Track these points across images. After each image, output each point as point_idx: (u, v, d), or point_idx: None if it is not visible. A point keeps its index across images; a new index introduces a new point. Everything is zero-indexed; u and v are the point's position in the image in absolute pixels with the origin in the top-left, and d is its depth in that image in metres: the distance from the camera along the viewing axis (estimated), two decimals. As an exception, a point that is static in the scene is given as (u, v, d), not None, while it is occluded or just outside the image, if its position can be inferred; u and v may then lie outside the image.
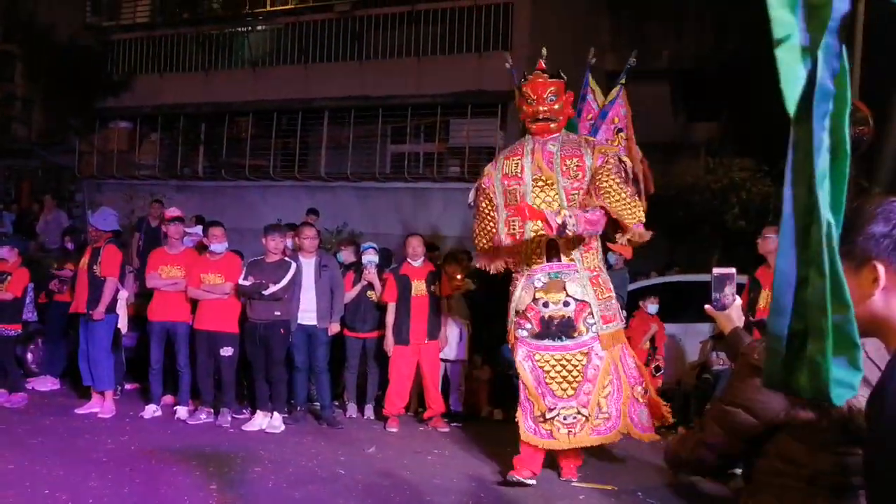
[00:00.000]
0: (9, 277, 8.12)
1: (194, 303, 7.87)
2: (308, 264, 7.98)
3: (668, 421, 6.62)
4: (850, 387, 1.21)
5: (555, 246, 6.09)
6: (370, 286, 8.30)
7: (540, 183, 6.09)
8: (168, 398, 8.26)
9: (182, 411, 7.90)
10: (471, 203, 6.66)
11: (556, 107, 6.23)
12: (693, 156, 17.27)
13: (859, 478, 1.83)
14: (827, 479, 1.93)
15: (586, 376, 5.99)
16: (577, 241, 6.03)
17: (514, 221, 6.16)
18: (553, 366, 6.03)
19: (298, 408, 8.07)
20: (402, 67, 14.72)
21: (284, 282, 7.61)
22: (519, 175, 6.19)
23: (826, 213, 1.14)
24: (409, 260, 8.21)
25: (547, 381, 6.03)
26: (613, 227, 6.19)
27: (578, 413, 5.97)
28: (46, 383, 8.89)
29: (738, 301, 2.42)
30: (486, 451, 7.05)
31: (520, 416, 6.14)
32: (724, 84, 16.93)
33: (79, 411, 7.86)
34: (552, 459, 6.41)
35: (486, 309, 8.15)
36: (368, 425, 8.13)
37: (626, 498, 6.08)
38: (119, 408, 8.01)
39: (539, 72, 6.32)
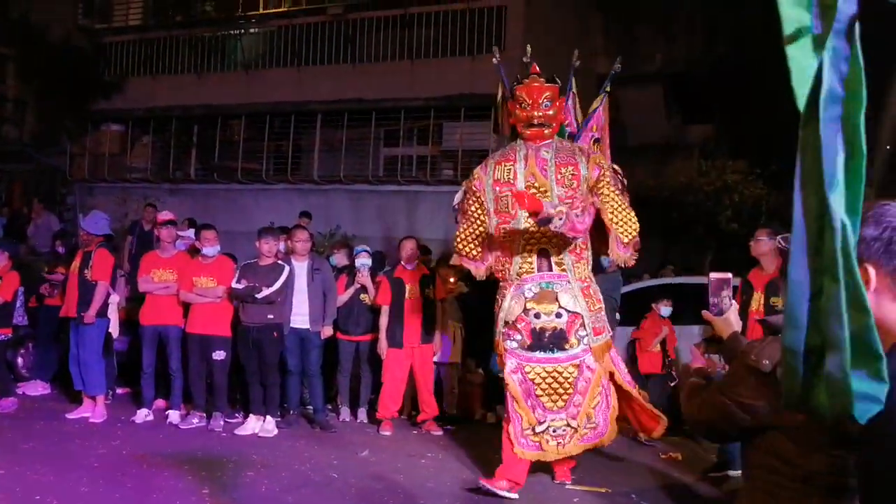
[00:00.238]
0: (-1, 281, 8.07)
1: (186, 306, 7.84)
2: (300, 267, 7.96)
3: (655, 434, 6.53)
4: (875, 400, 1.16)
5: (546, 255, 5.96)
6: (363, 289, 8.29)
7: (532, 190, 5.92)
8: (160, 402, 8.22)
9: (174, 415, 7.86)
10: (455, 205, 6.49)
11: (551, 112, 6.11)
12: (686, 158, 17.32)
13: (855, 479, 1.82)
14: (822, 479, 1.93)
15: (577, 389, 5.88)
16: (563, 245, 5.91)
17: (504, 229, 6.05)
18: (544, 378, 5.89)
19: (291, 411, 8.04)
20: (395, 70, 14.72)
21: (277, 285, 7.59)
22: (511, 181, 6.03)
23: (841, 215, 1.11)
24: (403, 263, 8.20)
25: (537, 393, 5.90)
26: (599, 240, 6.12)
27: (567, 425, 5.89)
28: (37, 388, 8.84)
29: (736, 305, 2.43)
30: (479, 454, 7.03)
31: (511, 429, 5.98)
32: (716, 86, 17.00)
33: (70, 416, 7.81)
34: (546, 462, 6.39)
35: (480, 312, 8.10)
36: (362, 429, 8.10)
37: (620, 500, 6.07)
38: (110, 412, 7.97)
39: (535, 76, 6.20)
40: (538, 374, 5.89)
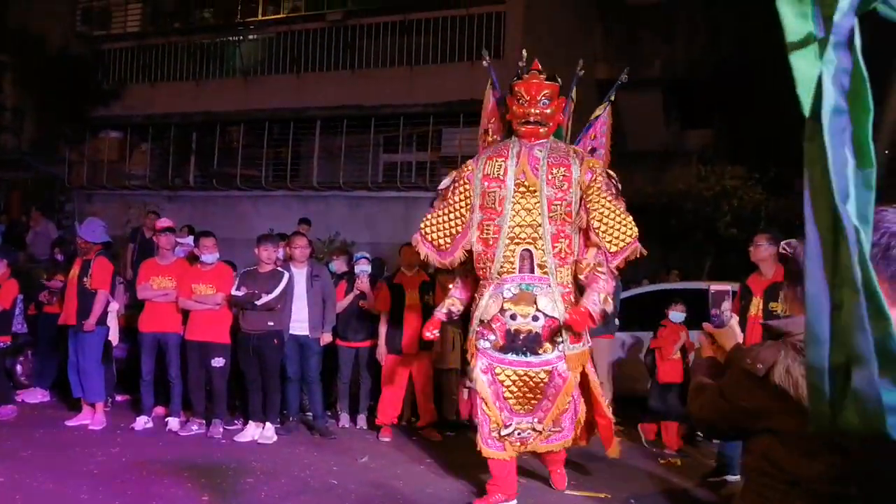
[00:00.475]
0: (-3, 289, 8.07)
1: (185, 313, 7.84)
2: (299, 274, 7.96)
3: (611, 453, 6.33)
4: None
5: (529, 256, 5.76)
6: (362, 296, 8.28)
7: (522, 189, 5.78)
8: (159, 409, 8.21)
9: (173, 422, 7.85)
10: (440, 190, 6.25)
11: (549, 111, 5.93)
12: (685, 163, 17.35)
13: (846, 487, 1.81)
14: (810, 485, 1.92)
15: (546, 395, 5.72)
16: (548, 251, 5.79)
17: (488, 226, 5.86)
18: (514, 381, 5.73)
19: (291, 418, 8.03)
20: (394, 76, 14.73)
21: (277, 292, 7.59)
22: (501, 178, 5.84)
23: (854, 222, 1.10)
24: (403, 269, 8.19)
25: (506, 395, 5.75)
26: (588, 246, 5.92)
27: (533, 429, 5.80)
28: (36, 395, 8.84)
29: (736, 318, 2.44)
30: (478, 460, 6.98)
31: (480, 431, 5.91)
32: (715, 92, 17.03)
33: (69, 423, 7.81)
34: (541, 467, 6.38)
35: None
36: (361, 435, 8.10)
37: (620, 506, 6.08)
38: (110, 420, 7.96)
39: (535, 72, 6.01)
40: (508, 376, 5.72)
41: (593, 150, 6.42)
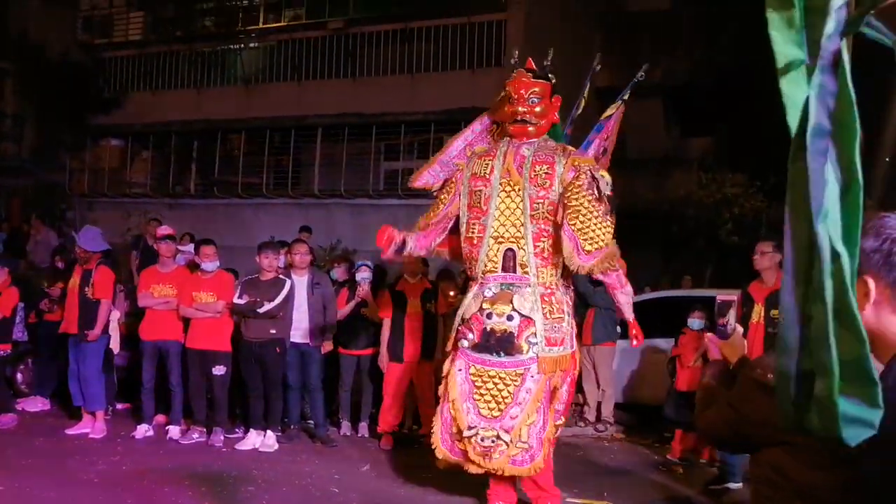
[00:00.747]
0: (-2, 296, 8.06)
1: (186, 321, 7.82)
2: (300, 282, 7.94)
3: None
4: (867, 425, 1.19)
5: (513, 255, 5.66)
6: (364, 303, 8.27)
7: (507, 188, 5.71)
8: (160, 418, 8.19)
9: (174, 431, 7.83)
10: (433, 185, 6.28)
11: (538, 109, 5.79)
12: (686, 171, 17.35)
13: (854, 499, 1.80)
14: (819, 495, 1.91)
15: (516, 399, 5.52)
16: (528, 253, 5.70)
17: (473, 225, 5.81)
18: (485, 382, 5.57)
19: (292, 426, 8.02)
20: (395, 84, 14.77)
21: (279, 299, 7.57)
22: (486, 176, 5.79)
23: (837, 246, 1.15)
24: (405, 277, 8.18)
25: (475, 396, 5.58)
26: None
27: (498, 437, 5.48)
28: (36, 404, 8.81)
29: (741, 329, 2.42)
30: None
31: (436, 428, 5.78)
32: (716, 99, 17.04)
33: (69, 432, 7.79)
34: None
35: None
36: (363, 443, 8.08)
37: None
38: (110, 428, 7.94)
39: (524, 70, 5.89)
40: (480, 376, 5.59)
41: (604, 151, 6.36)
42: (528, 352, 5.51)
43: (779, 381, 1.27)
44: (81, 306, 7.75)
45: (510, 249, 5.68)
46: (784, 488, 1.97)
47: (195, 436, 7.74)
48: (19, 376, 9.26)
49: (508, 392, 5.51)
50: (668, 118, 19.09)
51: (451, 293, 8.40)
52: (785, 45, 1.19)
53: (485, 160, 5.90)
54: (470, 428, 5.52)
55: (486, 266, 5.73)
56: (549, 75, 5.93)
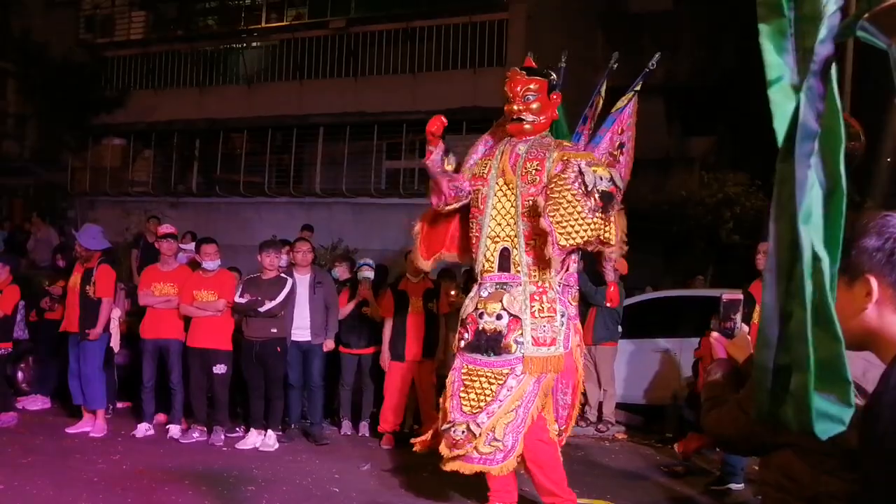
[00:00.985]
0: (-1, 295, 8.06)
1: (187, 320, 7.82)
2: (302, 280, 7.94)
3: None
4: (838, 422, 1.24)
5: (507, 255, 5.65)
6: (365, 302, 8.26)
7: (502, 187, 5.70)
8: (160, 417, 8.18)
9: (175, 430, 7.83)
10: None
11: (534, 106, 5.72)
12: (687, 170, 17.35)
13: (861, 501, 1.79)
14: (829, 501, 1.90)
15: (497, 397, 5.47)
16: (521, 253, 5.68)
17: (472, 225, 5.84)
18: (473, 381, 5.51)
19: (293, 425, 8.01)
20: (397, 84, 14.76)
21: (280, 298, 7.56)
22: (484, 176, 5.80)
23: (818, 249, 1.19)
24: (408, 276, 8.17)
25: (461, 394, 5.56)
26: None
27: (468, 429, 5.41)
28: (37, 402, 8.81)
29: (746, 328, 2.37)
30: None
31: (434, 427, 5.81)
32: (718, 99, 17.03)
33: (70, 430, 7.78)
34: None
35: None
36: (363, 442, 8.07)
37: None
38: (111, 427, 7.93)
39: (518, 68, 5.86)
40: (470, 375, 5.57)
41: (622, 146, 6.15)
42: (515, 351, 5.48)
43: (756, 375, 1.31)
44: (82, 305, 7.74)
45: (506, 249, 5.67)
46: (794, 493, 1.96)
47: (195, 435, 7.74)
48: (20, 375, 9.25)
49: (492, 390, 5.47)
50: (669, 117, 19.08)
51: (453, 293, 8.40)
52: (775, 54, 1.21)
53: (485, 160, 5.93)
54: (448, 423, 5.50)
55: (483, 266, 5.75)
56: (546, 71, 5.89)
